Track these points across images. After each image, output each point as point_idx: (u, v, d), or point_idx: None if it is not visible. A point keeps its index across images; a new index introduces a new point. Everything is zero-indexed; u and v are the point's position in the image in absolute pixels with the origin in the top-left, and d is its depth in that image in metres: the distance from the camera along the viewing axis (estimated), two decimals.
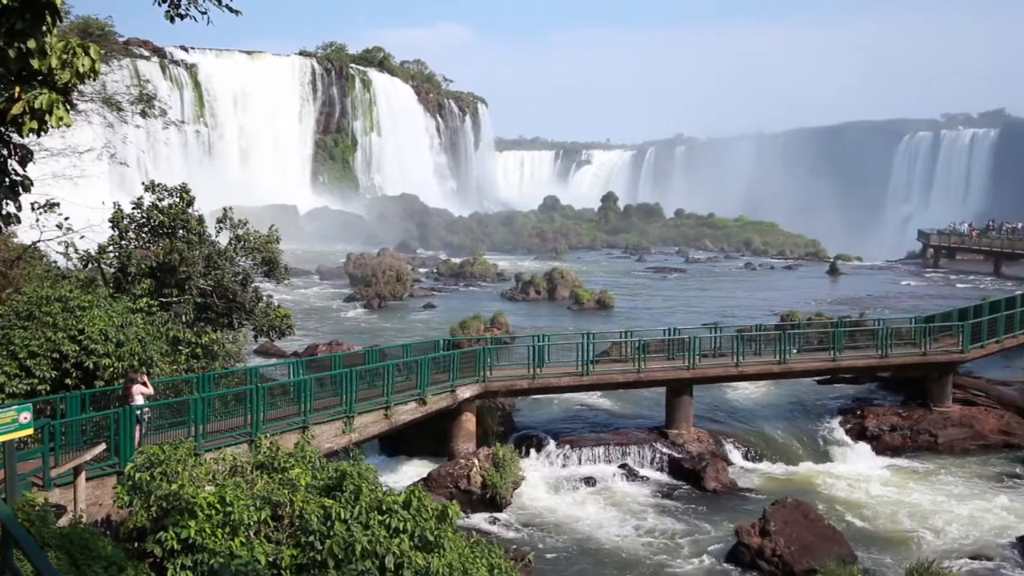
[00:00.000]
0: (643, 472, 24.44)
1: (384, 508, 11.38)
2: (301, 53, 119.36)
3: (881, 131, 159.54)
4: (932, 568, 16.85)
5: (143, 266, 22.30)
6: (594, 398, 29.84)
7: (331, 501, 11.44)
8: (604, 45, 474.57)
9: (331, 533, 10.82)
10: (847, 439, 26.75)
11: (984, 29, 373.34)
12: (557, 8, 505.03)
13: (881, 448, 26.37)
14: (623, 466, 24.52)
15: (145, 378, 17.22)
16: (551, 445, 25.21)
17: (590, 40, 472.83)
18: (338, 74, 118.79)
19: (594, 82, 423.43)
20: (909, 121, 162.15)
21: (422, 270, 71.73)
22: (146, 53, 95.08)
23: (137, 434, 16.15)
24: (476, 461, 22.35)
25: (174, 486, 11.27)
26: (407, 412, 22.15)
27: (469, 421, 24.46)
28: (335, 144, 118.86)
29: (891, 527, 21.03)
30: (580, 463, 24.65)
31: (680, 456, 24.70)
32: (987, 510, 21.89)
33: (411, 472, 23.60)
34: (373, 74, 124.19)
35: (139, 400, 16.66)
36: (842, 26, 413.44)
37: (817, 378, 29.67)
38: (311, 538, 10.83)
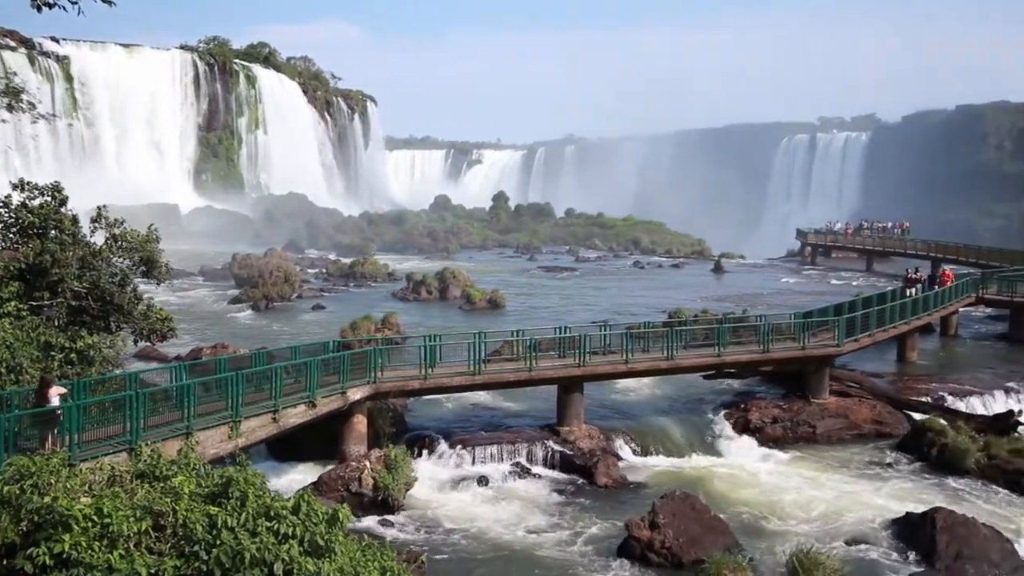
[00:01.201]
0: (535, 470, 24.59)
1: (272, 514, 11.08)
2: (182, 47, 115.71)
3: (762, 133, 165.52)
4: (812, 553, 17.51)
5: (11, 268, 21.15)
6: (487, 397, 29.87)
7: (217, 509, 11.06)
8: (494, 45, 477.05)
9: (217, 542, 10.46)
10: (732, 432, 27.53)
11: (857, 37, 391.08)
12: (447, 8, 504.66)
13: (764, 440, 27.26)
14: (516, 464, 24.62)
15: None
16: (444, 445, 25.11)
17: (480, 40, 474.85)
18: (221, 70, 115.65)
19: (484, 82, 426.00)
20: (788, 124, 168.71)
21: (311, 271, 70.46)
22: (12, 44, 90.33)
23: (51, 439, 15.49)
24: (368, 463, 22.07)
25: (47, 499, 10.69)
26: (296, 415, 21.67)
27: (360, 423, 24.13)
28: (219, 142, 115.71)
29: (774, 516, 21.75)
30: (473, 463, 24.63)
31: (572, 453, 24.97)
32: (862, 496, 22.89)
33: (301, 476, 23.11)
34: (258, 70, 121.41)
35: (55, 402, 15.94)
36: (727, 30, 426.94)
37: (703, 373, 30.42)
38: (196, 548, 10.44)
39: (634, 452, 26.24)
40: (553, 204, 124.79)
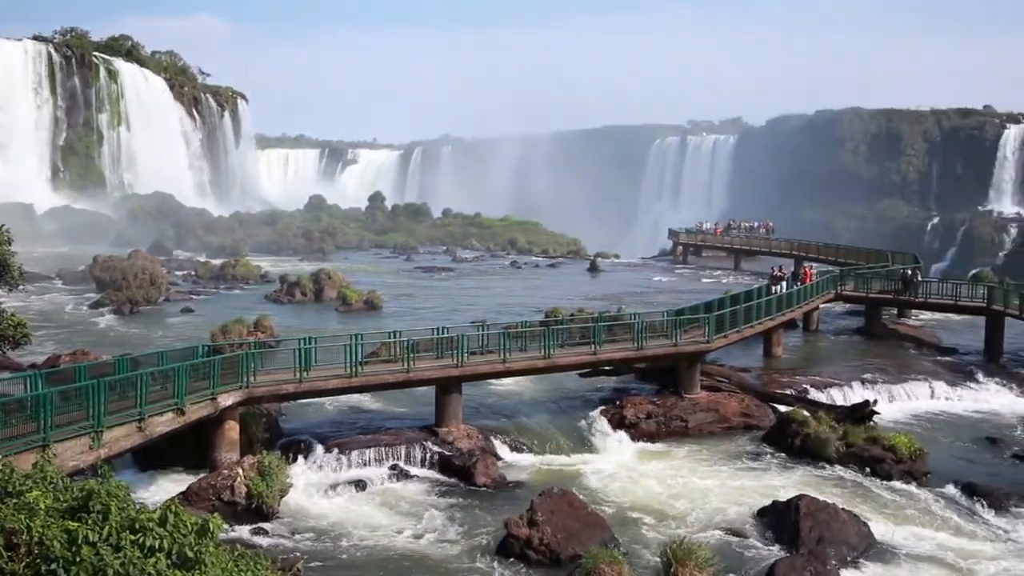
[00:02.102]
0: (414, 472, 24.41)
1: (138, 527, 10.56)
2: (35, 38, 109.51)
3: (635, 135, 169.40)
4: (685, 544, 17.98)
5: None
6: (365, 400, 29.48)
7: (76, 524, 10.47)
8: (369, 43, 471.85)
9: (77, 559, 9.90)
10: (608, 428, 28.01)
11: (725, 43, 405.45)
12: (320, 4, 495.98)
13: (639, 435, 27.85)
14: (394, 467, 24.38)
15: None
16: (320, 449, 24.63)
17: (354, 39, 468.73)
18: (80, 62, 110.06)
19: (360, 81, 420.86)
20: (660, 126, 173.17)
21: (179, 273, 67.84)
22: None
23: None
24: (240, 471, 21.42)
25: None
26: (164, 423, 20.81)
27: (232, 429, 23.40)
28: (78, 139, 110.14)
29: (649, 509, 22.26)
30: (350, 466, 24.25)
31: (450, 453, 24.91)
32: (732, 486, 23.71)
33: (169, 486, 22.21)
34: (120, 64, 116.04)
35: None
36: (606, 33, 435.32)
37: (580, 371, 30.85)
38: (53, 566, 9.85)
39: (513, 451, 26.37)
40: (430, 204, 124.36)
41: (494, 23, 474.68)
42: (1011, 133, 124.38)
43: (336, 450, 24.63)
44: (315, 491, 22.94)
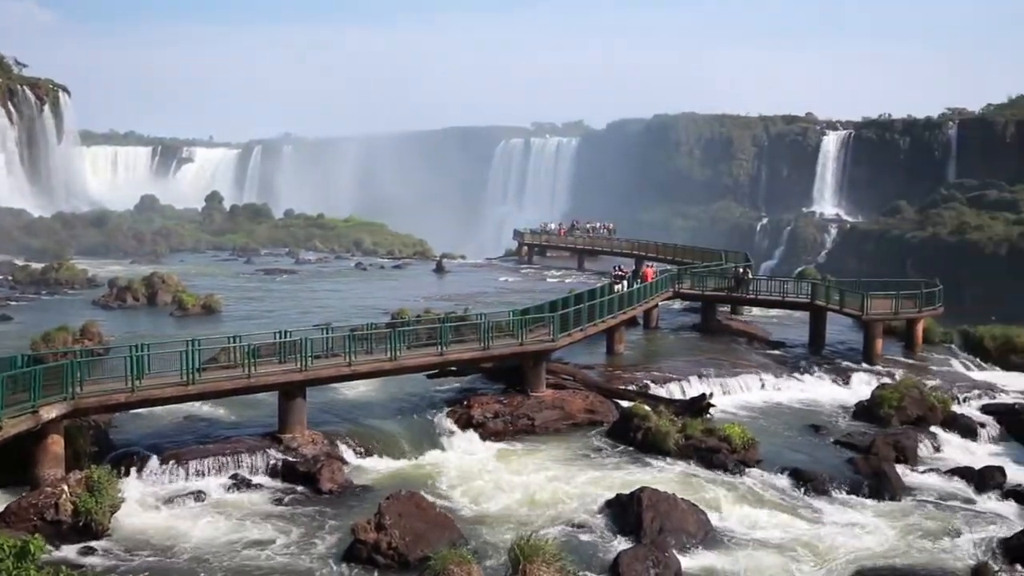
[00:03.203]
0: (256, 480, 23.62)
1: None
2: None
3: (481, 136, 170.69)
4: (532, 540, 18.15)
5: None
6: (205, 408, 28.24)
7: None
8: (206, 39, 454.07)
9: None
10: (456, 428, 27.99)
11: (568, 47, 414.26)
12: None
13: (487, 434, 27.97)
14: (235, 476, 23.51)
15: None
16: (154, 461, 23.42)
17: (189, 34, 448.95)
18: None
19: (195, 77, 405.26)
20: (504, 128, 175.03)
21: None
22: None
23: None
24: (66, 487, 20.10)
25: None
26: None
27: (56, 444, 21.91)
28: None
29: (497, 507, 22.40)
30: (187, 477, 23.21)
31: (295, 460, 24.26)
32: (578, 482, 24.15)
33: None
34: None
35: None
36: (455, 32, 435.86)
37: (427, 372, 30.70)
38: None
39: (359, 455, 25.93)
40: (271, 205, 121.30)
41: (339, 20, 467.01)
42: (830, 139, 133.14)
43: (172, 461, 23.51)
44: (150, 505, 21.82)
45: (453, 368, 31.02)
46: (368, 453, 26.10)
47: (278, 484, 23.62)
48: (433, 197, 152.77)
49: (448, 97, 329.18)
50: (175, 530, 20.59)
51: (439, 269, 74.96)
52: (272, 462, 24.26)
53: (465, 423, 28.25)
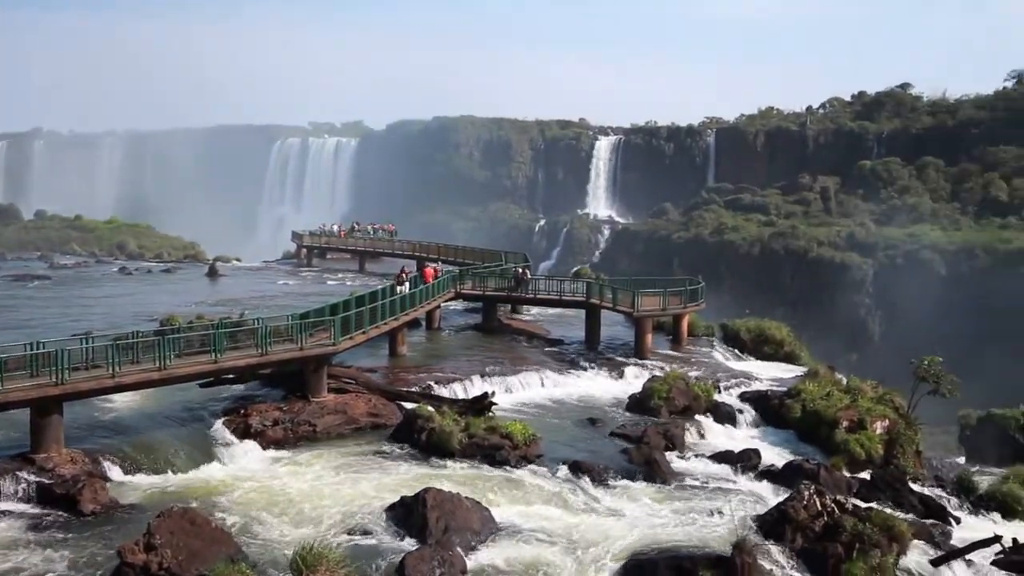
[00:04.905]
0: (5, 506, 21.49)
1: None
2: None
3: (256, 135, 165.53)
4: (315, 549, 17.66)
5: None
6: None
7: None
8: None
9: None
10: (233, 438, 26.81)
11: (345, 45, 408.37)
12: None
13: (266, 443, 26.98)
14: None
15: None
16: None
17: None
18: None
19: None
20: (281, 127, 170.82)
21: None
22: None
23: None
24: None
25: None
26: None
27: None
28: None
29: (279, 517, 21.59)
30: None
31: (51, 482, 22.29)
32: (362, 487, 23.73)
33: None
34: None
35: None
36: (227, 24, 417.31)
37: (201, 381, 29.26)
38: None
39: (127, 472, 24.21)
40: (20, 205, 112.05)
41: (100, 8, 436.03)
42: (602, 144, 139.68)
43: None
44: None
45: (229, 375, 29.76)
46: (136, 470, 24.44)
47: (32, 509, 21.60)
48: (205, 198, 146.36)
49: (223, 95, 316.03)
50: None
51: (212, 273, 71.74)
52: (24, 486, 22.20)
53: (243, 432, 27.13)
